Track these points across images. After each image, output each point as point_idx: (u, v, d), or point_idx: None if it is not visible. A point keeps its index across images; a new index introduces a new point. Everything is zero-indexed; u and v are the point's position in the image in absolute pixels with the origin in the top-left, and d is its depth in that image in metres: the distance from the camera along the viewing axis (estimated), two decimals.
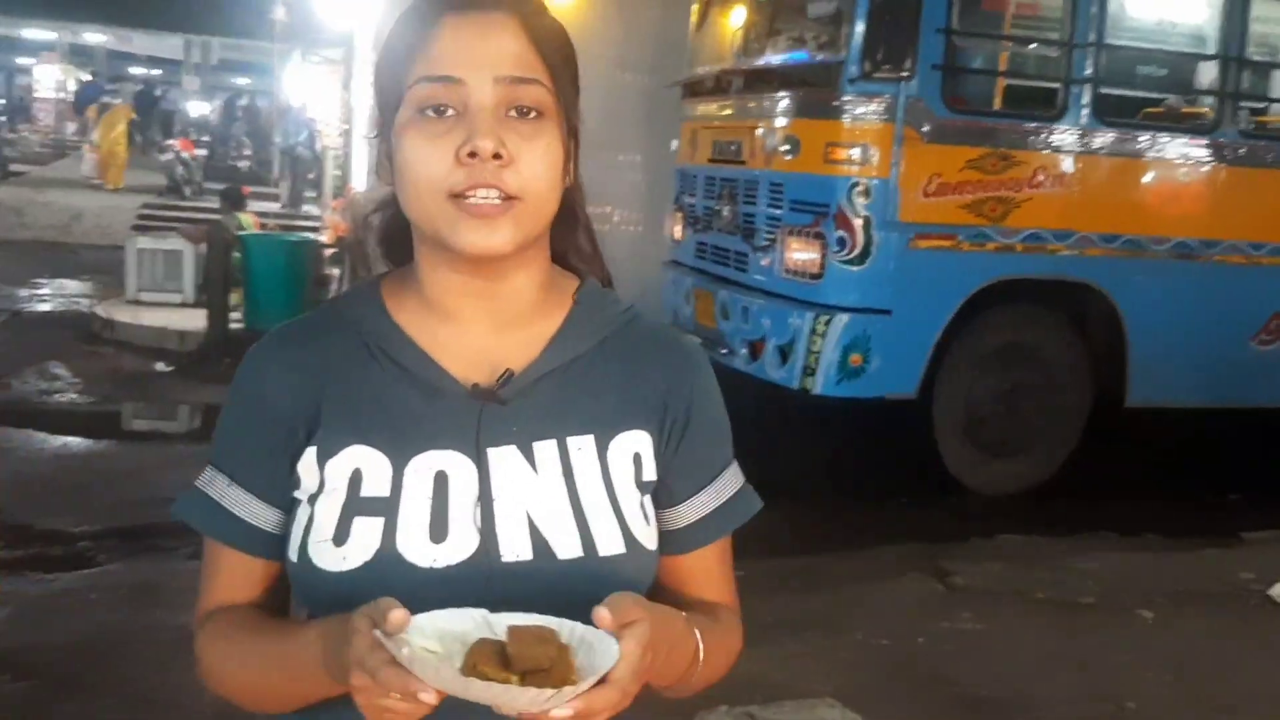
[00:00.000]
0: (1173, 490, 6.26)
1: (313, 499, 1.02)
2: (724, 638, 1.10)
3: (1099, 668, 3.85)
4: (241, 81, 31.88)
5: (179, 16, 23.77)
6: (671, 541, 1.10)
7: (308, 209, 16.48)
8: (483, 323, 1.05)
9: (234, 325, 8.69)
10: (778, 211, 6.10)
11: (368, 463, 1.01)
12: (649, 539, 1.06)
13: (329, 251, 9.64)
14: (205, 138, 23.23)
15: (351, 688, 0.86)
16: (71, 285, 11.82)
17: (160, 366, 8.36)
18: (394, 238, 1.11)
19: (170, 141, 19.98)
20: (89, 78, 27.35)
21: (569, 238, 1.12)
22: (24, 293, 11.38)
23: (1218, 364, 6.28)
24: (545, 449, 1.03)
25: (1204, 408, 6.46)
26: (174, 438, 7.13)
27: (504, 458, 1.01)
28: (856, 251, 5.68)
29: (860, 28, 5.57)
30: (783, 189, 6.07)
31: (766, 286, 6.17)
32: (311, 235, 10.32)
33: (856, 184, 5.67)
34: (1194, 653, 4.00)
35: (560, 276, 1.11)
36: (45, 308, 10.89)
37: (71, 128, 25.44)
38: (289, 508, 1.05)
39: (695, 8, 7.57)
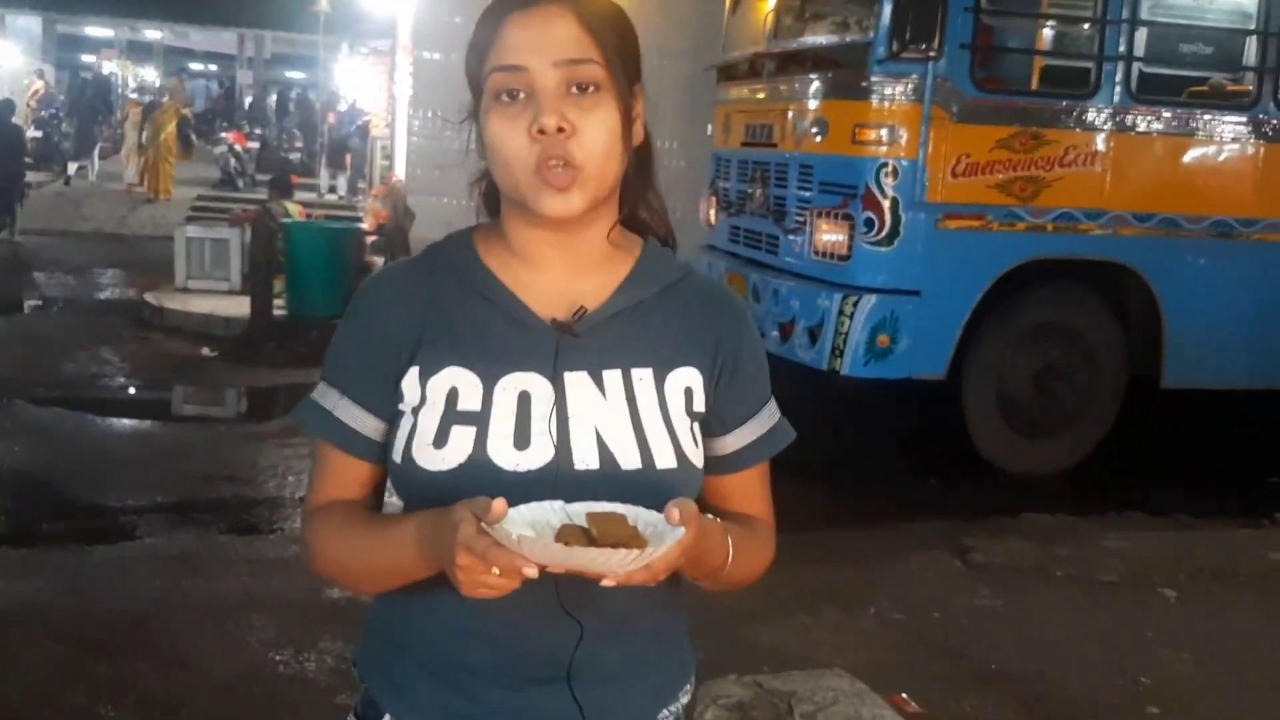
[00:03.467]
0: (1209, 473, 6.20)
1: (415, 410, 1.19)
2: (757, 547, 1.28)
3: (1116, 644, 3.84)
4: (294, 75, 32.33)
5: (233, 11, 24.15)
6: (720, 465, 1.28)
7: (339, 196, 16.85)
8: (560, 268, 1.22)
9: (278, 312, 8.87)
10: (807, 194, 6.10)
11: (463, 381, 1.18)
12: (697, 458, 1.23)
13: (370, 239, 9.78)
14: (258, 130, 23.57)
15: (457, 567, 1.03)
16: (125, 274, 12.10)
17: (206, 352, 8.55)
18: (490, 196, 1.29)
19: (223, 135, 20.34)
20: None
21: (639, 194, 1.27)
22: (80, 281, 11.69)
23: (1257, 344, 6.19)
24: (612, 377, 1.20)
25: (1243, 389, 6.38)
26: (217, 420, 7.30)
27: (577, 382, 1.18)
28: (884, 232, 5.68)
29: (888, 8, 5.55)
30: (812, 171, 6.07)
31: (796, 269, 6.19)
32: (354, 223, 10.47)
33: (884, 165, 5.66)
34: (1215, 632, 3.97)
35: (627, 236, 1.26)
36: (99, 296, 11.18)
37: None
38: (390, 419, 1.22)
39: None
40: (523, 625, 1.17)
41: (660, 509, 1.07)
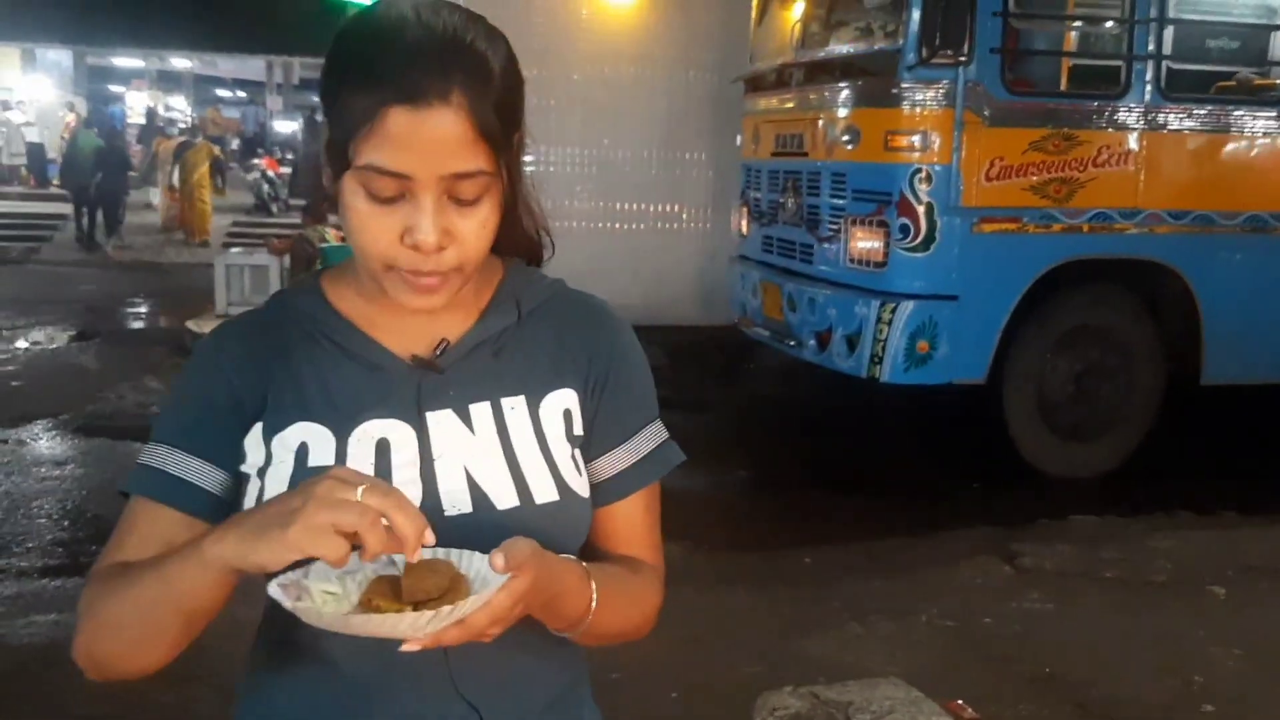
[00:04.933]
0: (1254, 469, 6.16)
1: (261, 472, 1.07)
2: (635, 593, 1.16)
3: (1168, 644, 3.83)
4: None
5: (261, 39, 24.45)
6: (596, 495, 1.16)
7: None
8: None
9: None
10: (840, 201, 6.14)
11: (313, 436, 1.07)
12: (582, 487, 1.13)
13: None
14: (289, 155, 23.83)
15: (311, 496, 0.88)
16: (165, 303, 12.25)
17: None
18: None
19: (256, 161, 20.57)
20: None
21: (509, 231, 1.14)
22: (121, 311, 11.86)
23: None
24: (480, 410, 1.10)
25: None
26: None
27: (442, 421, 1.09)
28: (920, 238, 5.70)
29: (916, 14, 5.58)
30: (845, 179, 6.11)
31: (832, 277, 6.21)
32: None
33: (918, 171, 5.68)
34: (1266, 629, 3.96)
35: (490, 260, 1.14)
36: (140, 325, 11.34)
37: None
38: (231, 471, 1.09)
39: (755, 2, 7.63)
40: (411, 704, 1.06)
41: (545, 547, 0.98)
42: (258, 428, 1.08)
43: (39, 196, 20.45)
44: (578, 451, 1.15)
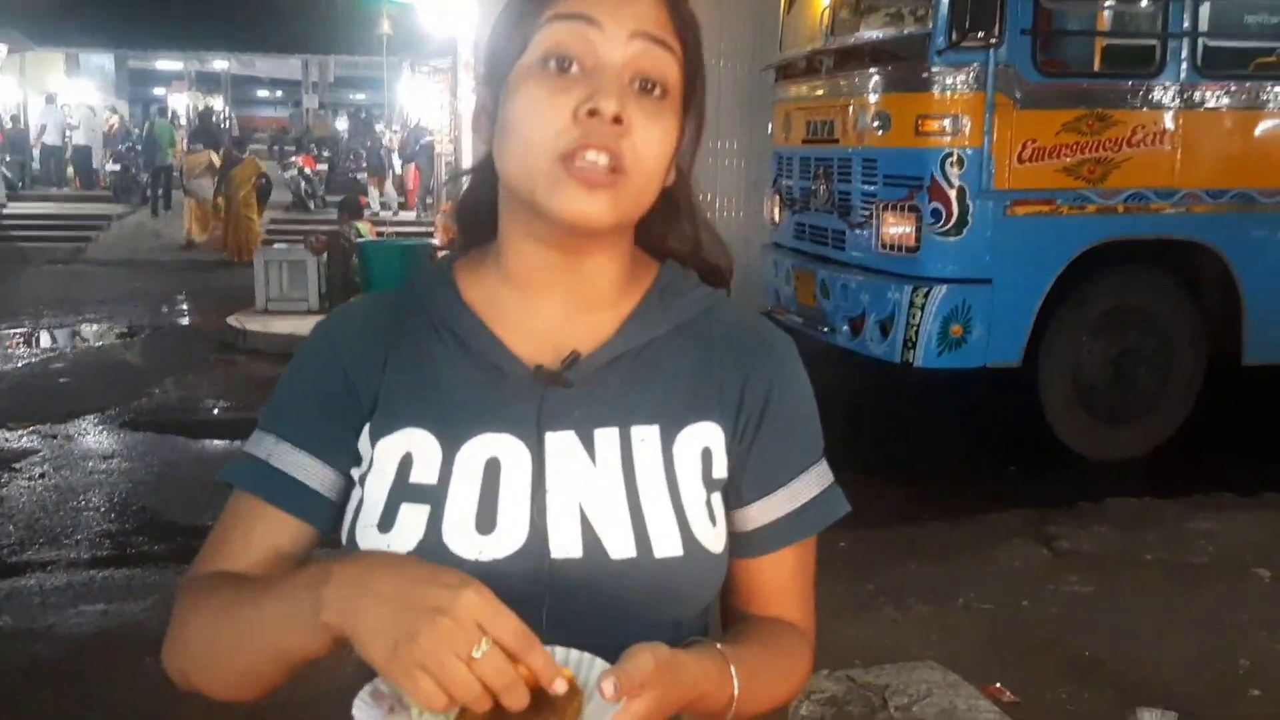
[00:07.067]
0: None
1: (363, 479, 0.98)
2: (782, 669, 1.01)
3: (1211, 627, 3.80)
4: (358, 97, 32.96)
5: (297, 38, 24.73)
6: (737, 546, 1.02)
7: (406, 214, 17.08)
8: (558, 301, 1.00)
9: None
10: (872, 187, 6.12)
11: (419, 447, 0.96)
12: (713, 541, 0.98)
13: (441, 253, 9.95)
14: (326, 153, 24.06)
15: (436, 622, 0.75)
16: (206, 300, 12.42)
17: None
18: (474, 211, 1.06)
19: (294, 159, 20.79)
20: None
21: (669, 224, 1.06)
22: (164, 309, 12.05)
23: None
24: (606, 437, 0.96)
25: None
26: None
27: (562, 444, 0.96)
28: (952, 222, 5.66)
29: None
30: (876, 164, 6.09)
31: (864, 263, 6.20)
32: (426, 239, 10.68)
33: (949, 155, 5.65)
34: None
35: (643, 260, 1.04)
36: (183, 322, 11.51)
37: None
38: (345, 473, 1.00)
39: None
40: None
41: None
42: (366, 428, 0.99)
43: (84, 198, 20.78)
44: (715, 497, 1.00)
